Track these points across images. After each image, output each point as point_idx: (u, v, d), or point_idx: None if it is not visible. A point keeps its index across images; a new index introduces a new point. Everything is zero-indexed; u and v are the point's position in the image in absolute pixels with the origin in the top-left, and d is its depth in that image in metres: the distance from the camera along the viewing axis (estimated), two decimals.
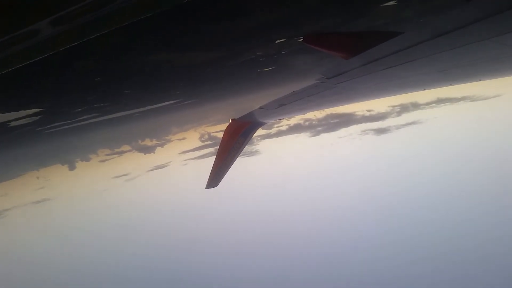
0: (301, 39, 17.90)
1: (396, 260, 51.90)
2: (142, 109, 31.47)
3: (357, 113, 71.55)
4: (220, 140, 9.10)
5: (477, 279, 46.66)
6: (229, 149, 8.88)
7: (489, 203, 54.75)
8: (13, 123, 16.55)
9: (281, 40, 14.88)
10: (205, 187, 9.36)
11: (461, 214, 55.57)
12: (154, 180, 70.18)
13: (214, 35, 13.01)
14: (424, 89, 6.17)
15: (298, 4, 12.90)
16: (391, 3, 13.64)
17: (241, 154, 9.37)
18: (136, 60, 12.29)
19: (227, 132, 8.92)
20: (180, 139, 63.12)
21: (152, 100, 26.85)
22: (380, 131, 70.25)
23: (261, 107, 7.66)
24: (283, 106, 7.01)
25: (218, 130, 62.87)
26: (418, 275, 48.94)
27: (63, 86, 12.39)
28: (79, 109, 20.00)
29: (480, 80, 5.20)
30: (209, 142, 62.20)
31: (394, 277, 49.96)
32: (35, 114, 16.25)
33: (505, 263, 47.02)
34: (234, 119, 8.86)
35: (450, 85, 5.44)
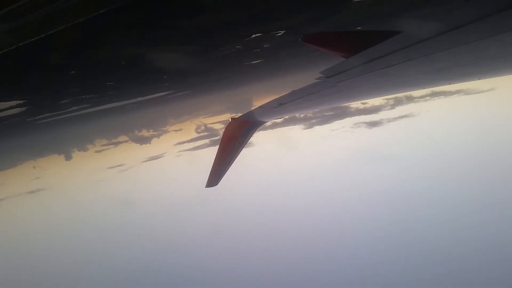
0: (279, 34, 18.24)
1: (384, 255, 52.46)
2: (133, 100, 31.91)
3: (351, 106, 71.44)
4: (220, 139, 9.25)
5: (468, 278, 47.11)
6: (230, 148, 8.98)
7: (481, 196, 55.01)
8: None
9: (258, 34, 15.20)
10: (205, 186, 9.40)
11: (453, 207, 55.86)
12: (147, 171, 70.59)
13: (189, 30, 13.33)
14: (424, 88, 6.25)
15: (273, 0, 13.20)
16: None
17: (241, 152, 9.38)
18: (109, 53, 12.65)
19: (227, 131, 9.03)
20: (176, 130, 63.31)
21: (141, 92, 27.21)
22: (372, 124, 70.21)
23: (261, 106, 7.67)
24: (283, 105, 7.02)
25: (215, 121, 63.17)
26: (409, 272, 49.45)
27: (39, 79, 12.80)
28: (66, 101, 20.39)
29: (479, 78, 5.24)
30: (205, 134, 62.47)
31: (381, 271, 50.58)
32: (18, 105, 16.70)
33: (498, 261, 47.36)
34: (234, 118, 8.96)
35: (450, 83, 5.51)
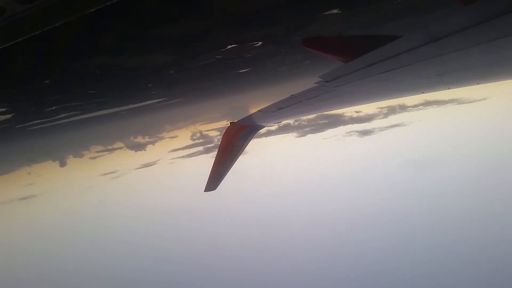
0: (258, 44, 18.52)
1: (372, 264, 52.39)
2: (125, 107, 32.10)
3: (345, 114, 71.53)
4: (219, 143, 9.21)
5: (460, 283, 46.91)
6: (228, 152, 9.01)
7: (472, 205, 54.95)
8: None
9: (233, 45, 15.48)
10: (204, 190, 9.42)
11: (441, 216, 55.78)
12: (140, 178, 70.67)
13: (163, 39, 13.59)
14: (422, 93, 6.23)
15: (246, 13, 13.48)
16: (334, 11, 14.19)
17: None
18: (88, 62, 12.90)
19: (226, 135, 9.03)
20: (172, 137, 63.42)
21: (129, 100, 27.43)
22: (364, 133, 70.20)
23: (260, 111, 7.65)
24: (282, 109, 7.01)
25: (211, 128, 63.37)
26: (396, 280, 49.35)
27: (15, 87, 13.03)
28: (52, 108, 20.60)
29: (478, 83, 5.25)
30: (200, 141, 62.59)
31: (371, 280, 50.46)
32: (1, 113, 16.91)
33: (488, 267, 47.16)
34: (233, 122, 8.96)
35: (448, 88, 5.53)
